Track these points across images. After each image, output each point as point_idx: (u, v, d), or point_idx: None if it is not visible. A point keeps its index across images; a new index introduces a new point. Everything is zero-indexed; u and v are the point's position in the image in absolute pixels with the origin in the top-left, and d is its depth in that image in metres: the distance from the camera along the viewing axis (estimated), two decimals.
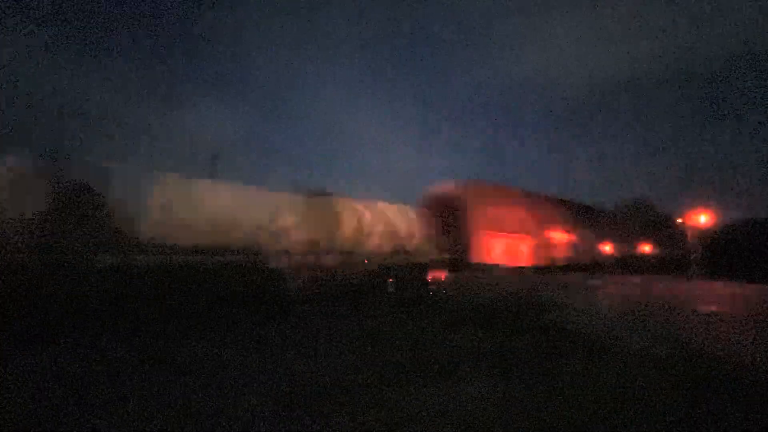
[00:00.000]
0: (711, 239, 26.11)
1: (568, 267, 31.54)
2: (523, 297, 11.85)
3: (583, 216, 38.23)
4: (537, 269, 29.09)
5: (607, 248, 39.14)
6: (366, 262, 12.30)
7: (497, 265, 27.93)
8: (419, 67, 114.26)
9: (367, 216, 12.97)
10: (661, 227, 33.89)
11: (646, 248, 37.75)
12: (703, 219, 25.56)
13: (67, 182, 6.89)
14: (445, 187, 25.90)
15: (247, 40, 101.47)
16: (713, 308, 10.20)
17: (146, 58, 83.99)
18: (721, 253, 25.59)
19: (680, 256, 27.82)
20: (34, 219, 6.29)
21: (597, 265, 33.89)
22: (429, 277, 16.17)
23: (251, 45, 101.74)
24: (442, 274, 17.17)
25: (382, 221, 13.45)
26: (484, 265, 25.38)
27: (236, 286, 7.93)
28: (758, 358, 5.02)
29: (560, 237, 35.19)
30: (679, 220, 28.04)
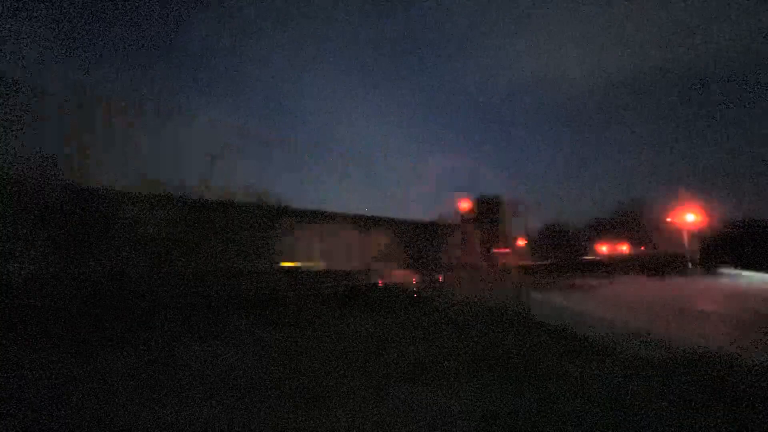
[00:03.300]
0: (708, 239, 26.37)
1: (567, 267, 31.95)
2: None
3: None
4: (542, 268, 30.35)
5: (603, 248, 39.47)
6: None
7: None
8: (419, 67, 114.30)
9: None
10: (658, 227, 34.15)
11: (643, 248, 38.07)
12: (693, 218, 25.83)
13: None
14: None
15: (244, 40, 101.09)
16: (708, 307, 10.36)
17: (144, 58, 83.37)
18: (719, 252, 25.89)
19: (678, 255, 28.02)
20: None
21: (594, 265, 34.24)
22: None
23: (249, 46, 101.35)
24: None
25: None
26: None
27: None
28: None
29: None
30: (676, 220, 28.28)
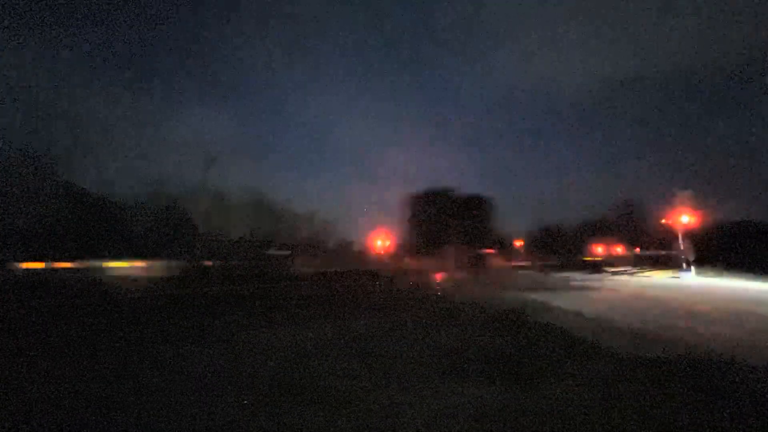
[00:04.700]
0: (703, 239, 26.66)
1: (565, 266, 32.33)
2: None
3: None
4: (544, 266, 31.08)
5: (599, 249, 39.73)
6: None
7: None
8: (419, 69, 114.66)
9: None
10: (652, 227, 34.50)
11: (638, 249, 38.37)
12: (687, 219, 26.03)
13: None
14: None
15: (241, 43, 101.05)
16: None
17: (141, 60, 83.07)
18: (714, 252, 26.16)
19: (672, 256, 28.33)
20: None
21: (590, 264, 34.57)
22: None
23: (245, 48, 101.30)
24: None
25: None
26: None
27: None
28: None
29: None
30: (669, 221, 28.51)
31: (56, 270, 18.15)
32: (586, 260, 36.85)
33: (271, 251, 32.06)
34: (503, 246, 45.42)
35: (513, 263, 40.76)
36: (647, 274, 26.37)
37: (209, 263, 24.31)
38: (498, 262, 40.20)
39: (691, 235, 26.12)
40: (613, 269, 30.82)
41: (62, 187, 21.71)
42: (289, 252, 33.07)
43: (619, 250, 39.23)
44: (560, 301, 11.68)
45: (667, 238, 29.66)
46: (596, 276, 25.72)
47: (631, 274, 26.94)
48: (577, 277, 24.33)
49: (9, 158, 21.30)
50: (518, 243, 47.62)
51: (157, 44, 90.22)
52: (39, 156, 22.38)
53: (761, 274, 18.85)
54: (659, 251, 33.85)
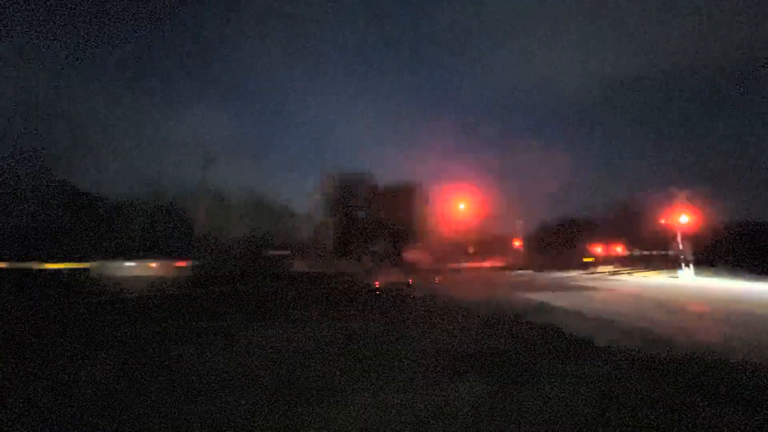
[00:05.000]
0: (702, 239, 26.72)
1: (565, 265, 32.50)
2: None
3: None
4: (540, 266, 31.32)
5: (598, 249, 39.81)
6: None
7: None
8: (419, 69, 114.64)
9: None
10: (651, 227, 34.55)
11: (637, 248, 38.45)
12: (686, 219, 26.05)
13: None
14: None
15: (241, 43, 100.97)
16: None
17: (141, 60, 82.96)
18: (713, 253, 26.22)
19: (671, 256, 28.42)
20: None
21: (589, 264, 34.70)
22: None
23: (245, 48, 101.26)
24: None
25: None
26: None
27: None
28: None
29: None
30: (667, 221, 28.54)
31: None
32: (585, 260, 37.01)
33: (271, 251, 32.08)
34: (496, 245, 45.39)
35: (507, 263, 40.69)
36: (646, 273, 26.42)
37: (208, 263, 24.34)
38: (477, 263, 39.79)
39: (689, 235, 26.15)
40: (612, 269, 30.91)
41: (59, 187, 21.70)
42: (289, 252, 33.10)
43: (619, 249, 39.40)
44: (559, 300, 11.68)
45: (666, 238, 29.72)
46: (595, 276, 25.78)
47: (630, 273, 26.98)
48: (577, 277, 24.38)
49: (8, 158, 21.33)
50: (517, 243, 47.67)
51: (157, 44, 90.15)
52: (38, 156, 22.40)
53: (761, 275, 18.87)
54: (658, 251, 33.91)
